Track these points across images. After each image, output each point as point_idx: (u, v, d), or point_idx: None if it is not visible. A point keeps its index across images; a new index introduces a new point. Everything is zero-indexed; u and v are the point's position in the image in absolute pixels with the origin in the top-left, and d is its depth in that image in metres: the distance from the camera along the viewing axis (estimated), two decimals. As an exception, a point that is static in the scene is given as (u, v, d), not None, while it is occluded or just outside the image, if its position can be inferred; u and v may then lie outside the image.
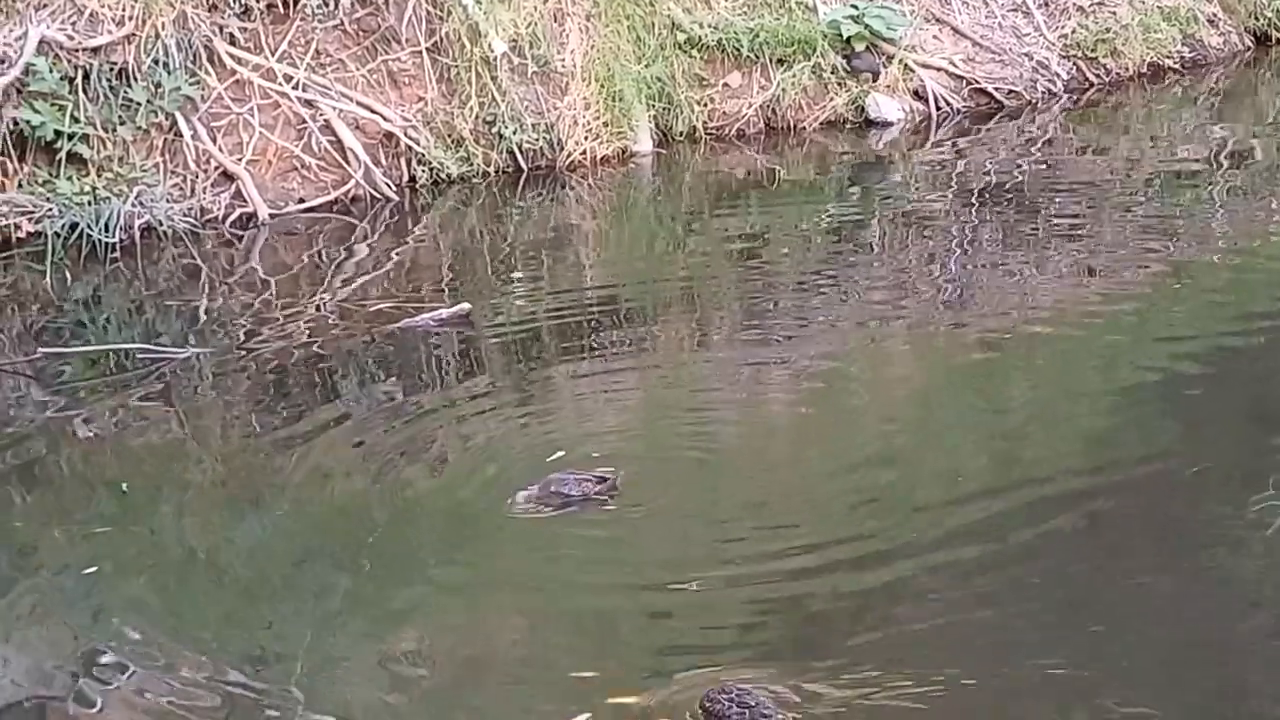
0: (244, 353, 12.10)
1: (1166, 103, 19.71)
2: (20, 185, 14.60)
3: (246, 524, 9.26)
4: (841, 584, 8.27)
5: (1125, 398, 10.73)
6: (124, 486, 9.87)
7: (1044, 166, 17.16)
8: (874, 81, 18.46)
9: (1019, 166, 17.06)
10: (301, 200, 15.61)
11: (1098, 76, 19.86)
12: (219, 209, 15.19)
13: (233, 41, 15.63)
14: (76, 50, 14.77)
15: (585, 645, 7.83)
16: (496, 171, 16.47)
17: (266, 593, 8.47)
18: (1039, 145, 17.97)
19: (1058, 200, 15.60)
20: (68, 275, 13.94)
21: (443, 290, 13.53)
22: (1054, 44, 19.70)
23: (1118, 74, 19.95)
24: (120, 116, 14.83)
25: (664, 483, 9.58)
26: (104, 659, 7.82)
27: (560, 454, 9.83)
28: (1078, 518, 8.93)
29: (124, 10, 14.95)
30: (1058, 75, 19.52)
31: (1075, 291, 12.93)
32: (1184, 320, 12.24)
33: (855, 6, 18.41)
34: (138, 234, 14.49)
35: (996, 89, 19.11)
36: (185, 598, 8.50)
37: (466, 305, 12.67)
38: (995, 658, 7.61)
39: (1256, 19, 21.48)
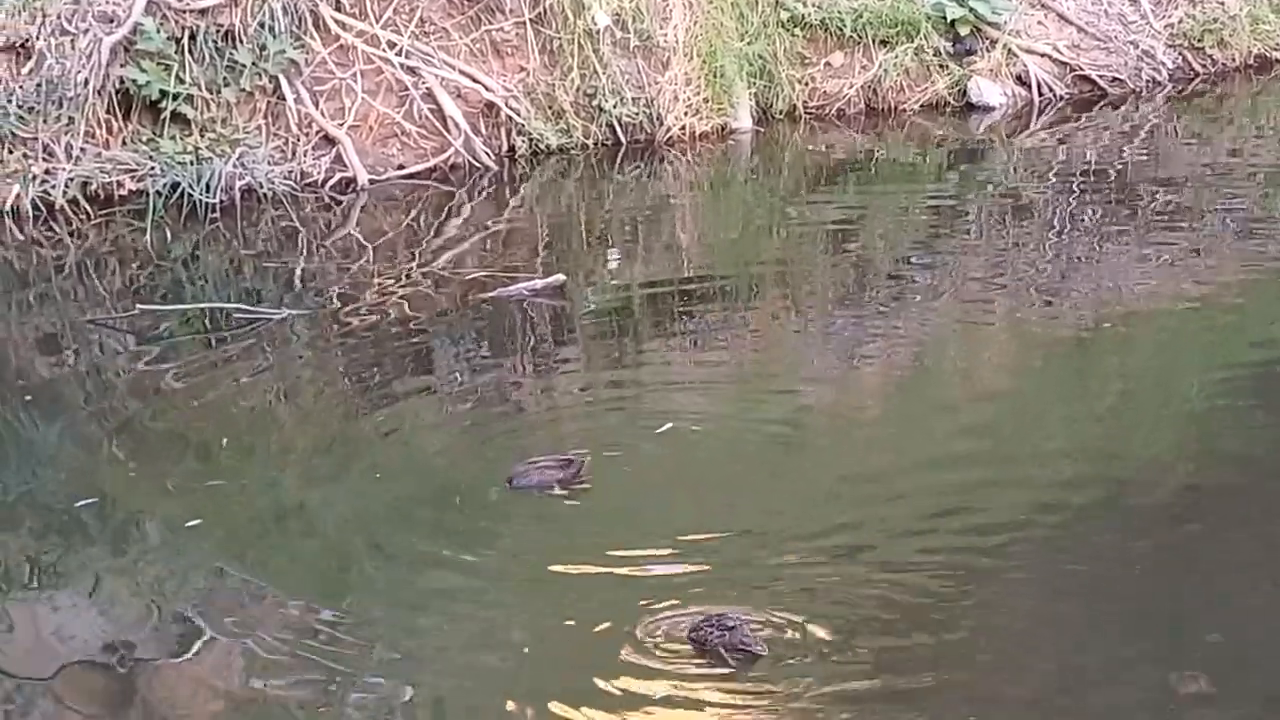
0: (339, 316, 12.19)
1: (1273, 95, 19.43)
2: (124, 143, 14.77)
3: (339, 484, 9.36)
4: (914, 562, 8.25)
5: (1221, 392, 10.62)
6: (224, 442, 9.99)
7: (1146, 156, 16.99)
8: (970, 56, 18.29)
9: (1120, 155, 16.90)
10: (401, 166, 15.69)
11: (1203, 67, 19.61)
12: (319, 173, 15.29)
13: (338, 7, 15.71)
14: (184, 11, 14.90)
15: (651, 601, 7.87)
16: (595, 144, 16.48)
17: (355, 553, 8.55)
18: (1141, 135, 17.79)
19: (1159, 191, 15.43)
20: (168, 234, 14.10)
21: (538, 261, 13.57)
22: (1160, 33, 19.47)
23: (1224, 65, 19.68)
24: (225, 78, 14.95)
25: (752, 456, 9.61)
26: (197, 611, 7.97)
27: (670, 425, 9.87)
28: (1170, 510, 8.87)
29: (232, -27, 15.10)
30: (1163, 64, 19.29)
31: (1173, 284, 12.80)
32: (1284, 316, 12.15)
33: (960, -11, 18.28)
34: (238, 195, 14.62)
35: (1100, 76, 18.92)
36: (279, 554, 8.64)
37: (561, 276, 12.71)
38: (1067, 642, 7.60)
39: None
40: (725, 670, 7.34)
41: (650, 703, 7.15)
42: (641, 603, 7.84)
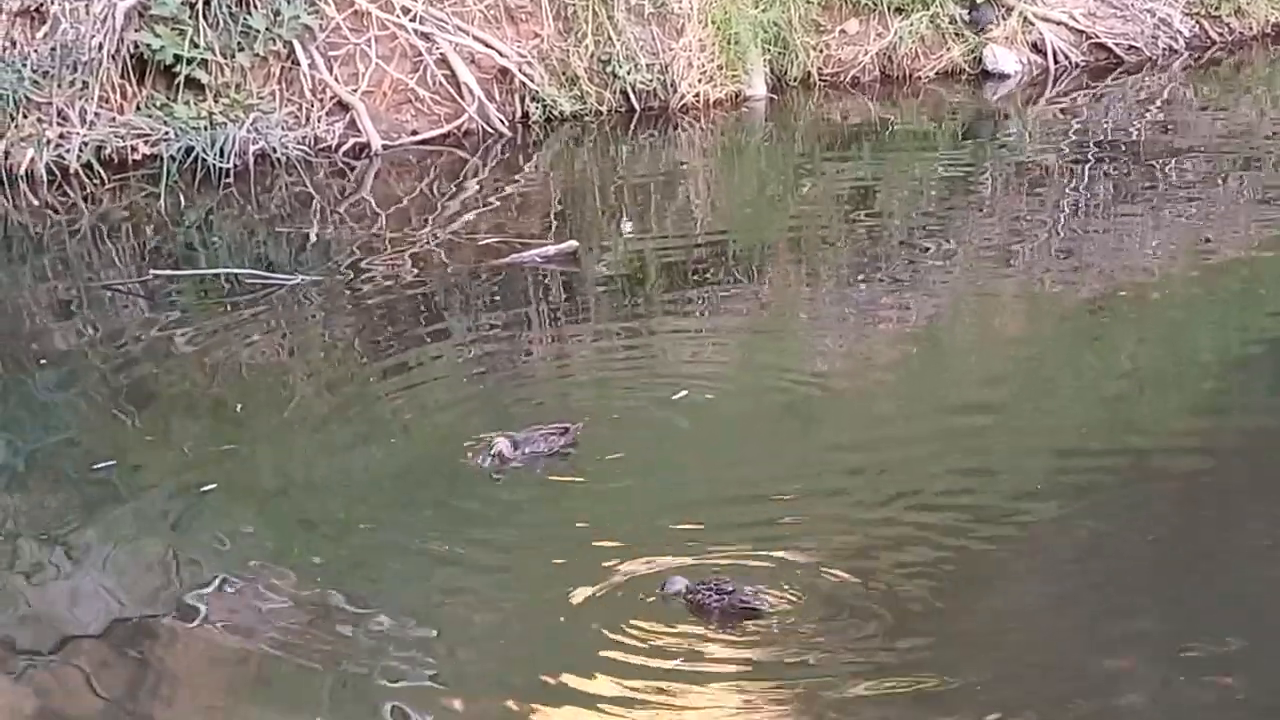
0: (352, 282, 12.20)
1: (1290, 64, 19.43)
2: (138, 108, 14.78)
3: (352, 449, 9.36)
4: (924, 529, 8.23)
5: (1235, 362, 10.62)
6: (238, 408, 10.02)
7: (1161, 125, 16.94)
8: (985, 24, 18.23)
9: (1136, 124, 16.86)
10: (414, 132, 15.69)
11: (1221, 35, 19.56)
12: (333, 138, 15.30)
13: (352, -28, 15.71)
14: (198, -24, 14.90)
15: (656, 569, 7.87)
16: (609, 111, 16.47)
17: (368, 520, 8.54)
18: (1158, 103, 17.75)
19: (1174, 160, 15.38)
20: (181, 199, 14.12)
21: (551, 227, 13.57)
22: (1177, 1, 19.42)
23: (1241, 33, 19.63)
24: (239, 43, 14.94)
25: (765, 422, 9.62)
26: (207, 575, 7.98)
27: (684, 393, 9.87)
28: (1181, 480, 8.85)
29: (247, -63, 15.07)
30: (1180, 33, 19.24)
31: (1189, 253, 12.78)
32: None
33: (977, -44, 18.23)
34: (252, 160, 14.63)
35: (1117, 44, 18.87)
36: (291, 520, 8.63)
37: (574, 243, 12.71)
38: (1076, 611, 7.59)
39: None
40: (728, 635, 7.35)
41: (655, 670, 7.16)
42: (647, 572, 7.84)
